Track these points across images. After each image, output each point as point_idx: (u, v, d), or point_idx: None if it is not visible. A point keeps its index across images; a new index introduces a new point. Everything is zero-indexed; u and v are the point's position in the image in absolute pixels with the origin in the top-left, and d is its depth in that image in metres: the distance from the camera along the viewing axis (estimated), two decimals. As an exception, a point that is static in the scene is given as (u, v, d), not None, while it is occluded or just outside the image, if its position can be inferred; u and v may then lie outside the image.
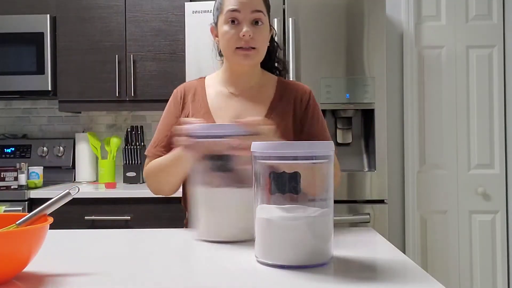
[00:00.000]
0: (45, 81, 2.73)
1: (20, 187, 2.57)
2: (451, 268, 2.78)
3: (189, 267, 0.89)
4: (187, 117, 1.32)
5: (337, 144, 2.51)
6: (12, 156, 2.98)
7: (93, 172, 2.94)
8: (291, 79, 2.34)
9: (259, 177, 0.88)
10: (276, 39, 1.45)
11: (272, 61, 1.44)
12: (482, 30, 2.80)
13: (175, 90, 1.40)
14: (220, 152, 1.01)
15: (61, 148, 2.97)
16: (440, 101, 2.81)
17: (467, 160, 2.80)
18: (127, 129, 2.84)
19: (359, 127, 2.56)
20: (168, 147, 1.30)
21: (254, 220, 0.91)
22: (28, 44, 2.73)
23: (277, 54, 1.44)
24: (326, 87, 2.38)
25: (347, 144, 2.52)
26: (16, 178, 2.54)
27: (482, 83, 2.80)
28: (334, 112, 2.49)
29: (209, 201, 1.05)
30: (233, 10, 1.26)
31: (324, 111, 2.41)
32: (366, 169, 2.46)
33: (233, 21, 1.26)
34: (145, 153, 1.36)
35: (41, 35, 2.72)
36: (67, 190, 0.92)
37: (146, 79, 2.73)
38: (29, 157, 2.96)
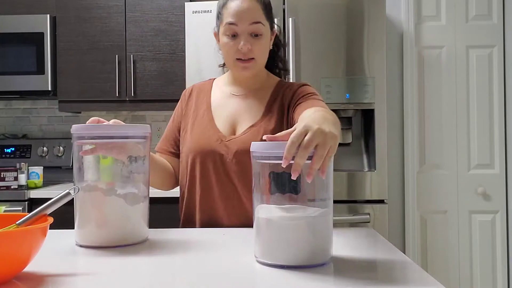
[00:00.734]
0: (45, 81, 2.73)
1: (20, 187, 2.57)
2: (451, 268, 2.78)
3: (189, 267, 0.89)
4: (190, 112, 1.39)
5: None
6: (12, 156, 2.98)
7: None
8: (291, 80, 2.34)
9: (258, 177, 0.88)
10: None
11: (274, 60, 1.44)
12: (482, 30, 2.80)
13: (184, 90, 1.49)
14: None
15: (61, 148, 2.97)
16: (440, 101, 2.81)
17: (467, 160, 2.80)
18: (127, 129, 2.84)
19: (359, 127, 2.56)
20: (175, 146, 1.40)
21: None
22: (28, 44, 2.73)
23: (279, 53, 1.44)
24: (326, 87, 2.38)
25: (347, 144, 2.52)
26: (16, 178, 2.55)
27: (482, 83, 2.80)
28: (334, 112, 2.49)
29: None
30: (231, 24, 1.26)
31: (324, 111, 2.42)
32: (366, 169, 2.46)
33: (232, 35, 1.27)
34: (156, 149, 1.45)
35: (41, 35, 2.72)
36: (67, 190, 0.92)
37: (146, 79, 2.73)
38: (29, 157, 2.96)
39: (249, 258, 0.92)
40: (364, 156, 2.52)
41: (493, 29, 2.80)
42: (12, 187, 2.52)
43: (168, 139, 1.42)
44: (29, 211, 2.44)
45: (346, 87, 2.38)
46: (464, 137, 2.80)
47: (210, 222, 1.31)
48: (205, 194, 1.30)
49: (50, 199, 0.89)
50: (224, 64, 1.45)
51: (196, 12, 2.42)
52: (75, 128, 1.05)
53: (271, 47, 1.35)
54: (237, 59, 1.28)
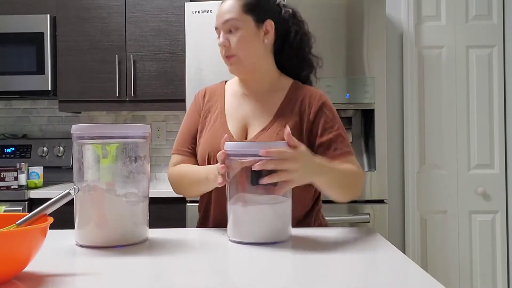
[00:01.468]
0: (45, 81, 2.73)
1: (20, 187, 2.57)
2: (451, 268, 2.78)
3: (189, 267, 0.89)
4: (206, 115, 1.39)
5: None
6: (12, 156, 2.98)
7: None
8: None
9: (233, 172, 1.06)
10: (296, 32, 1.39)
11: (288, 58, 1.40)
12: (482, 30, 2.80)
13: (195, 93, 1.47)
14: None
15: (61, 148, 2.97)
16: (440, 101, 2.81)
17: (467, 160, 2.80)
18: (127, 129, 2.84)
19: (359, 127, 2.56)
20: (193, 145, 1.39)
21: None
22: (28, 44, 2.73)
23: (290, 51, 1.39)
24: (326, 87, 2.38)
25: (347, 144, 2.52)
26: (16, 178, 2.55)
27: (482, 83, 2.80)
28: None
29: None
30: (215, 28, 1.33)
31: (324, 111, 2.42)
32: (366, 169, 2.46)
33: (217, 37, 1.34)
34: (172, 152, 1.41)
35: (41, 35, 2.72)
36: (67, 190, 0.92)
37: (146, 79, 2.73)
38: (29, 157, 2.96)
39: (249, 259, 0.92)
40: (364, 156, 2.52)
41: (493, 29, 2.80)
42: (12, 187, 2.52)
43: (186, 140, 1.39)
44: (29, 211, 2.44)
45: (346, 87, 2.38)
46: (464, 137, 2.80)
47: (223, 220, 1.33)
48: (219, 195, 1.30)
49: (50, 199, 0.89)
50: None
51: (196, 12, 2.42)
52: (75, 128, 1.05)
53: (266, 42, 1.32)
54: (225, 57, 1.33)
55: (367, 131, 2.51)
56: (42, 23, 2.73)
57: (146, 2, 2.73)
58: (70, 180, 2.96)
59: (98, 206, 1.04)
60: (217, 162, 1.13)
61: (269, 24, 1.32)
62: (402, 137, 2.83)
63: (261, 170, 1.01)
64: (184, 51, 2.49)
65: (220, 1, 1.35)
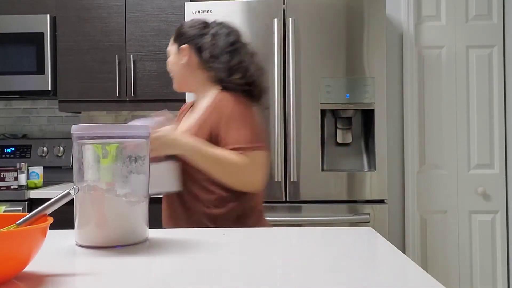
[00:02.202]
0: (45, 81, 2.73)
1: (20, 187, 2.57)
2: (451, 268, 2.78)
3: (189, 267, 0.89)
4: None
5: (337, 144, 2.51)
6: (12, 156, 2.98)
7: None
8: (294, 81, 2.33)
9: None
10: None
11: (218, 70, 1.52)
12: (482, 30, 2.80)
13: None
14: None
15: (61, 148, 2.97)
16: (440, 101, 2.81)
17: (467, 160, 2.80)
18: (127, 129, 2.84)
19: (359, 127, 2.56)
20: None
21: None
22: (28, 44, 2.73)
23: (211, 63, 1.52)
24: (326, 87, 2.38)
25: (347, 144, 2.52)
26: (16, 178, 2.55)
27: (482, 83, 2.80)
28: (334, 112, 2.49)
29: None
30: None
31: (324, 111, 2.42)
32: (366, 169, 2.46)
33: None
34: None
35: (41, 35, 2.72)
36: (67, 190, 0.92)
37: (146, 79, 2.73)
38: (29, 157, 2.96)
39: (250, 258, 0.92)
40: (364, 156, 2.52)
41: (493, 29, 2.80)
42: (12, 187, 2.52)
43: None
44: (29, 211, 2.44)
45: (346, 87, 2.38)
46: (464, 137, 2.80)
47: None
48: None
49: (50, 199, 0.89)
50: None
51: (196, 12, 2.42)
52: (75, 128, 1.05)
53: (184, 62, 1.55)
54: None
55: (367, 131, 2.51)
56: (42, 23, 2.73)
57: (146, 2, 2.73)
58: (70, 180, 2.96)
59: (98, 206, 1.04)
60: None
61: (185, 48, 1.55)
62: (402, 137, 2.83)
63: None
64: (184, 51, 2.49)
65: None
